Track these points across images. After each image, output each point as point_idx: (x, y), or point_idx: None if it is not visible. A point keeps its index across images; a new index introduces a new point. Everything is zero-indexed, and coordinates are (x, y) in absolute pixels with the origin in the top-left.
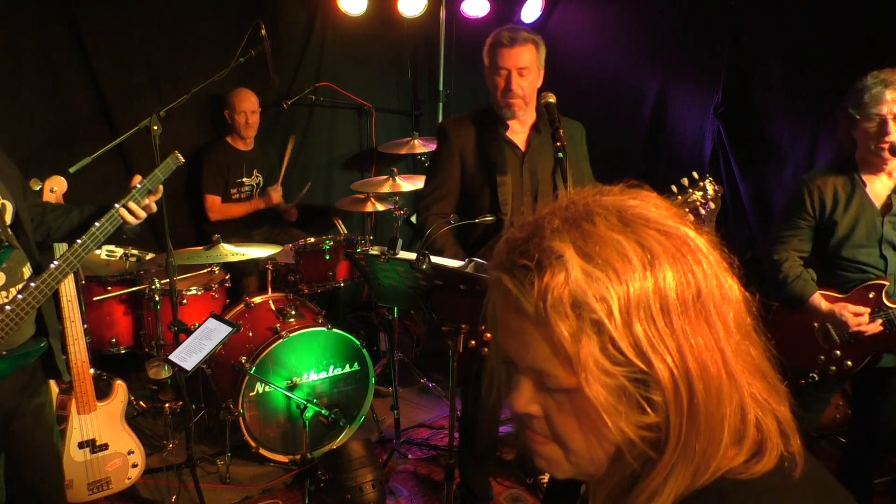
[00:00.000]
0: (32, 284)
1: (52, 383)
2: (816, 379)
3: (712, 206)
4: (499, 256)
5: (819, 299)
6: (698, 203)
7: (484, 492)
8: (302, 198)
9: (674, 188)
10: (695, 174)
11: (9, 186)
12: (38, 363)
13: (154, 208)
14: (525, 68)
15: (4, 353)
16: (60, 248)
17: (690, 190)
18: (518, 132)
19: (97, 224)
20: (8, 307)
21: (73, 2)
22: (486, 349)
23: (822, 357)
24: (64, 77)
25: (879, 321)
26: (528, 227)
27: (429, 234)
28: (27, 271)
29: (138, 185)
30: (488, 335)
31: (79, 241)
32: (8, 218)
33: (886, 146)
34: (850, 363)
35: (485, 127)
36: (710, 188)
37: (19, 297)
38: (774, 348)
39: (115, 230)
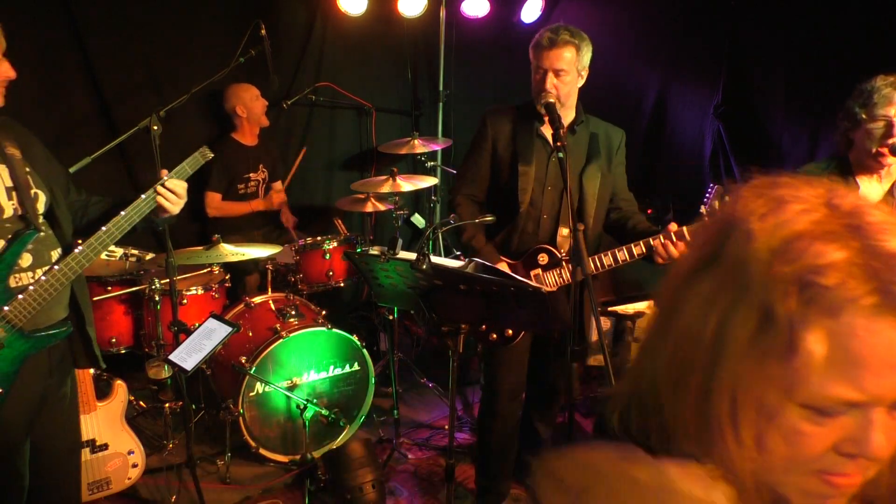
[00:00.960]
0: (56, 267)
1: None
2: None
3: None
4: (879, 279)
5: None
6: None
7: (500, 488)
8: (298, 167)
9: (703, 210)
10: (727, 198)
11: (47, 179)
12: (67, 351)
13: (184, 195)
14: (562, 70)
15: (27, 333)
16: None
17: None
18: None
19: (123, 213)
20: (31, 287)
21: (73, 2)
22: (509, 330)
23: None
24: (64, 77)
25: None
26: (836, 233)
27: (424, 236)
28: (56, 255)
29: (165, 177)
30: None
31: (103, 227)
32: (41, 206)
33: (887, 148)
34: None
35: (522, 120)
36: None
37: (42, 278)
38: None
39: (147, 223)
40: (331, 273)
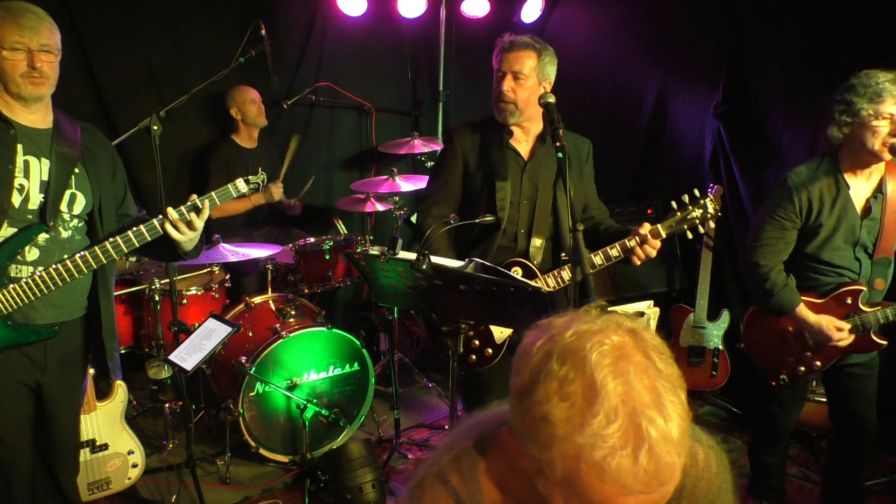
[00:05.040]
0: (53, 267)
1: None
2: (787, 380)
3: (711, 224)
4: None
5: (805, 311)
6: (697, 221)
7: None
8: (305, 192)
9: (674, 204)
10: (696, 191)
11: (98, 188)
12: (78, 353)
13: (198, 225)
14: (521, 73)
15: (10, 323)
16: None
17: (691, 207)
18: (522, 141)
19: (134, 229)
20: (24, 280)
21: (73, 2)
22: (489, 350)
23: (792, 359)
24: (64, 77)
25: (853, 337)
26: None
27: (427, 237)
28: (65, 257)
29: (188, 203)
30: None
31: (110, 240)
32: (77, 208)
33: (888, 147)
34: (819, 363)
35: (490, 132)
36: (710, 206)
37: (37, 274)
38: (745, 350)
39: (170, 251)
40: (331, 273)
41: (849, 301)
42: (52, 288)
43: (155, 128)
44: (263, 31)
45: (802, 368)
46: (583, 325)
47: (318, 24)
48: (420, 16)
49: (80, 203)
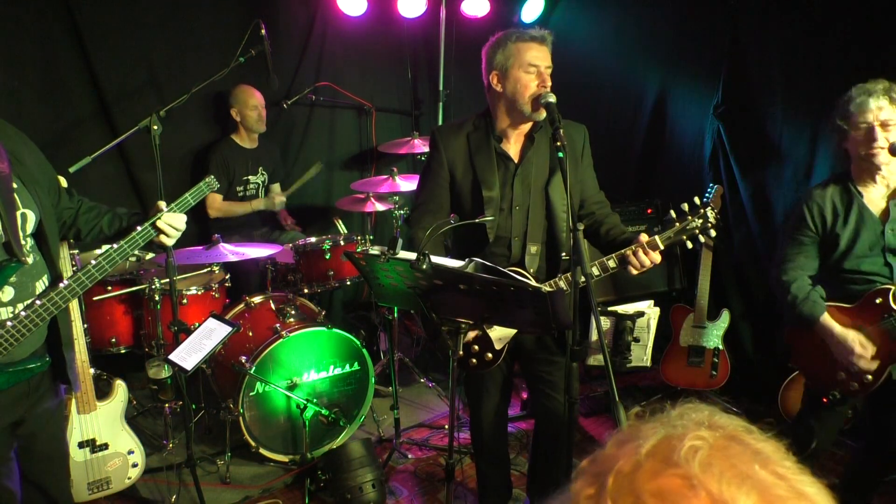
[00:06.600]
0: (38, 302)
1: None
2: (838, 396)
3: (712, 233)
4: None
5: (830, 321)
6: (697, 230)
7: (499, 485)
8: (305, 183)
9: (672, 213)
10: (696, 199)
11: (36, 194)
12: (47, 372)
13: (182, 227)
14: (550, 67)
15: (10, 370)
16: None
17: (690, 217)
18: (512, 142)
19: (114, 246)
20: (9, 323)
21: (73, 2)
22: (489, 355)
23: (843, 373)
24: (64, 77)
25: (872, 357)
26: None
27: (428, 235)
28: (41, 286)
29: (164, 209)
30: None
31: (93, 261)
32: (29, 227)
33: (878, 151)
34: (870, 377)
35: (477, 137)
36: (710, 215)
37: (22, 313)
38: (794, 366)
39: (147, 243)
40: (331, 273)
41: (878, 301)
42: (40, 324)
43: (155, 128)
44: (263, 31)
45: (855, 384)
46: (649, 441)
47: (318, 24)
48: (420, 16)
49: (31, 221)
